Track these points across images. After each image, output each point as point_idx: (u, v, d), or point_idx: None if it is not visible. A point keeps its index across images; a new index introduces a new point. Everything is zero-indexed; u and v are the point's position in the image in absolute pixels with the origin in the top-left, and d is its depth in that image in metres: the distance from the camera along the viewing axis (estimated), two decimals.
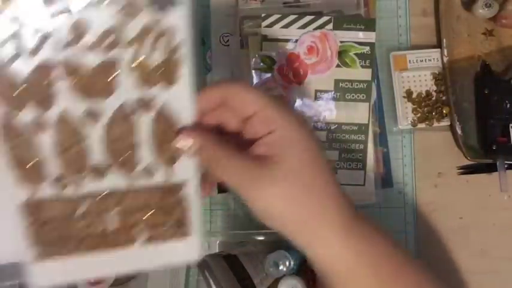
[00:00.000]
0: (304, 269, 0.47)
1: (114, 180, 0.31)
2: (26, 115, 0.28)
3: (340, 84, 0.51)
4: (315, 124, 0.51)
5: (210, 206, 0.54)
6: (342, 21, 0.50)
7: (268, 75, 0.51)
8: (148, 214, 0.32)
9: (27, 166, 0.29)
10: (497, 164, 0.51)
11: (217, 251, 0.52)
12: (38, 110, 0.28)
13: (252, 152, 0.31)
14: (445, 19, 0.54)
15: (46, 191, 0.30)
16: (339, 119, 0.51)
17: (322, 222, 0.31)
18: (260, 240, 0.51)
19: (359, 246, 0.32)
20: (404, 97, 0.54)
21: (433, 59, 0.54)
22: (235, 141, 0.33)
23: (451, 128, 0.54)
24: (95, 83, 0.29)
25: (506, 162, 0.52)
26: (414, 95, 0.54)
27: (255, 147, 0.31)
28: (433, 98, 0.54)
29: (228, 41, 0.54)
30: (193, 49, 0.30)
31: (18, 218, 0.30)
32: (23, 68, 0.27)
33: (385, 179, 0.54)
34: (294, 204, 0.31)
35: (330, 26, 0.50)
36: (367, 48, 0.50)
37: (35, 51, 0.27)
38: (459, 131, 0.53)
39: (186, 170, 0.32)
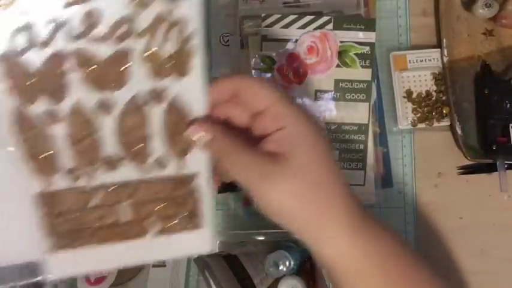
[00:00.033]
0: (304, 269, 0.48)
1: (127, 172, 0.31)
2: (39, 107, 0.28)
3: (340, 84, 0.51)
4: None
5: None
6: (342, 21, 0.50)
7: (268, 75, 0.51)
8: (160, 206, 0.32)
9: (40, 158, 0.29)
10: (497, 164, 0.51)
11: (217, 251, 0.53)
12: (51, 102, 0.28)
13: (261, 149, 0.31)
14: (445, 19, 0.54)
15: (59, 182, 0.30)
16: (339, 119, 0.51)
17: (330, 220, 0.31)
18: (260, 240, 0.51)
19: (368, 246, 0.32)
20: (404, 97, 0.54)
21: (433, 59, 0.54)
22: (242, 136, 0.33)
23: (451, 128, 0.54)
24: (107, 74, 0.29)
25: (506, 162, 0.52)
26: (414, 95, 0.54)
27: (265, 143, 0.31)
28: (433, 98, 0.54)
29: (228, 41, 0.54)
30: (205, 40, 0.30)
31: (32, 210, 0.30)
32: (35, 59, 0.27)
33: (385, 179, 0.54)
34: (302, 201, 0.31)
35: (330, 26, 0.50)
36: (367, 48, 0.50)
37: (47, 42, 0.27)
38: (459, 131, 0.53)
39: (198, 162, 0.32)
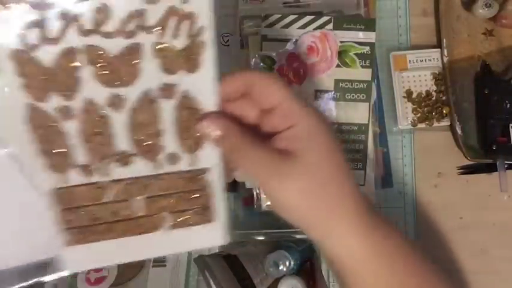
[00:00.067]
0: (304, 269, 0.48)
1: (139, 168, 0.31)
2: (51, 103, 0.28)
3: (340, 84, 0.51)
4: None
5: None
6: (342, 21, 0.50)
7: None
8: (173, 200, 0.32)
9: (54, 154, 0.29)
10: (497, 164, 0.51)
11: (217, 251, 0.53)
12: (63, 98, 0.28)
13: (272, 146, 0.31)
14: (445, 19, 0.54)
15: (73, 178, 0.30)
16: (339, 119, 0.51)
17: (339, 219, 0.31)
18: (260, 240, 0.51)
19: (377, 246, 0.32)
20: (404, 97, 0.54)
21: (433, 59, 0.54)
22: (251, 132, 0.33)
23: (451, 128, 0.54)
24: (118, 70, 0.28)
25: (506, 162, 0.52)
26: (414, 95, 0.54)
27: (275, 141, 0.31)
28: (433, 98, 0.54)
29: (228, 41, 0.54)
30: (216, 34, 0.30)
31: (47, 206, 0.30)
32: (46, 55, 0.27)
33: (385, 179, 0.54)
34: (312, 199, 0.31)
35: (330, 26, 0.50)
36: (367, 48, 0.50)
37: (58, 37, 0.27)
38: (459, 131, 0.53)
39: (209, 157, 0.32)
